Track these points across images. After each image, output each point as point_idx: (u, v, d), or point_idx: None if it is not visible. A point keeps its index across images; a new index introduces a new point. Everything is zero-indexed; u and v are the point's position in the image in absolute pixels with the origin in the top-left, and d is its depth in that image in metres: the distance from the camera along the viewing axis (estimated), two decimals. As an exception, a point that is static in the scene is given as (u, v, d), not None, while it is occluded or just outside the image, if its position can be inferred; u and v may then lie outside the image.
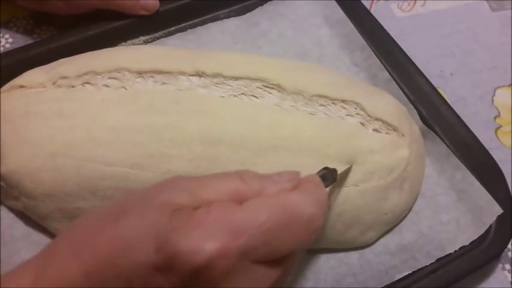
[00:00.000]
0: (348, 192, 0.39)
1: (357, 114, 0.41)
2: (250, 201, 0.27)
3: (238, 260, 0.26)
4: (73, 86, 0.41)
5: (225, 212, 0.26)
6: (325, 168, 0.34)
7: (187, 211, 0.27)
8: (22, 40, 0.53)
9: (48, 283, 0.28)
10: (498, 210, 0.41)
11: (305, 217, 0.27)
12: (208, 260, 0.25)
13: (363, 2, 0.53)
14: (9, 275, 0.29)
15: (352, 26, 0.50)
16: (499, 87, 0.53)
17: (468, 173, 0.43)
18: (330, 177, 0.34)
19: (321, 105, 0.41)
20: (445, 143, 0.44)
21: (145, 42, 0.51)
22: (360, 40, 0.50)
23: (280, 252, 0.27)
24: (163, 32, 0.52)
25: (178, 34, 0.51)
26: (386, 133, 0.41)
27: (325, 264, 0.40)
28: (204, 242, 0.25)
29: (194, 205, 0.27)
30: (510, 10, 0.58)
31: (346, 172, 0.39)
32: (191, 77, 0.41)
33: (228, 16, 0.53)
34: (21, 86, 0.41)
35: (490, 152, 0.44)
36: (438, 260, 0.40)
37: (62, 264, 0.28)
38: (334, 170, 0.35)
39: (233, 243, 0.25)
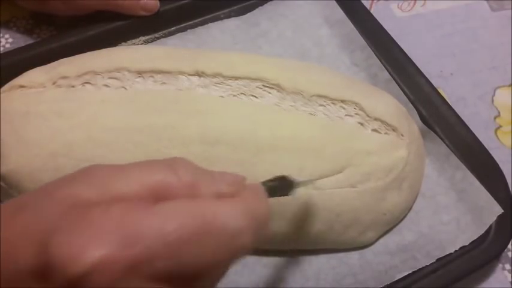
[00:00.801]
0: (345, 194, 0.39)
1: (356, 114, 0.41)
2: (165, 204, 0.23)
3: (127, 274, 0.21)
4: (73, 86, 0.41)
5: (125, 213, 0.22)
6: (282, 178, 0.30)
7: (83, 209, 0.23)
8: (22, 40, 0.53)
9: None
10: (498, 210, 0.41)
11: (229, 231, 0.24)
12: (87, 270, 0.21)
13: (363, 2, 0.53)
14: None
15: (352, 26, 0.50)
16: (499, 87, 0.53)
17: (468, 173, 0.43)
18: (283, 189, 0.30)
19: (320, 105, 0.41)
20: (445, 143, 0.44)
21: (146, 42, 0.51)
22: (360, 40, 0.50)
23: (189, 269, 0.23)
24: (163, 32, 0.52)
25: (178, 34, 0.51)
26: (385, 133, 0.41)
27: (326, 264, 0.40)
28: (86, 248, 0.21)
29: (103, 200, 0.23)
30: (510, 10, 0.58)
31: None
32: (191, 77, 0.41)
33: (228, 16, 0.53)
34: (21, 86, 0.41)
35: (490, 152, 0.44)
36: (438, 260, 0.40)
37: None
38: (291, 184, 0.30)
39: (122, 252, 0.21)
